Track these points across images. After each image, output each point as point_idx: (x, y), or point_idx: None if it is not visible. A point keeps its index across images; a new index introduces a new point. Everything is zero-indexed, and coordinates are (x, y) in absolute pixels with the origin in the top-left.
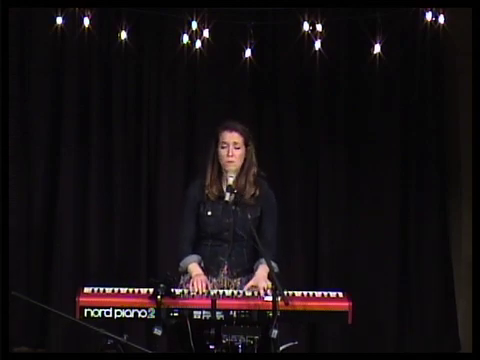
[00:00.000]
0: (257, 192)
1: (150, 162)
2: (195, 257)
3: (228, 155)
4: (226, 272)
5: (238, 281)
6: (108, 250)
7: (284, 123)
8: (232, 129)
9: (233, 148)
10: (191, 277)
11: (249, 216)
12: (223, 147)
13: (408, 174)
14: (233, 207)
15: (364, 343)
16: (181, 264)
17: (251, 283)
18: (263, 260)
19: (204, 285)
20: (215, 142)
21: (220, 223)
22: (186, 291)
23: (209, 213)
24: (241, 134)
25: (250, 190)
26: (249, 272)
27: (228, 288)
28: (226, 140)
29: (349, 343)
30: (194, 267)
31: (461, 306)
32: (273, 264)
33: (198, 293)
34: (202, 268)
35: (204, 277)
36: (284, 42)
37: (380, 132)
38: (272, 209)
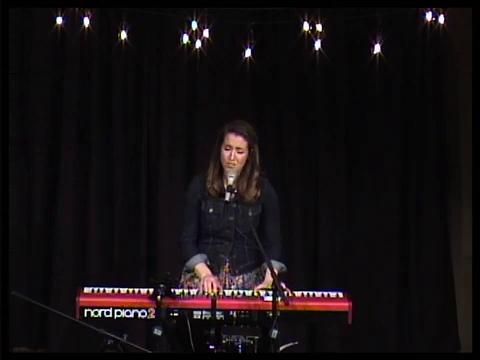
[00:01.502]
0: (259, 193)
1: (150, 162)
2: (201, 257)
3: (230, 158)
4: (227, 270)
5: (240, 279)
6: (108, 250)
7: (284, 123)
8: (237, 133)
9: (236, 152)
10: (196, 277)
11: (250, 213)
12: (226, 149)
13: (408, 174)
14: (234, 205)
15: (364, 343)
16: (187, 264)
17: (262, 285)
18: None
19: (215, 286)
20: (219, 141)
21: (222, 220)
22: (186, 291)
23: (210, 210)
24: (245, 138)
25: (252, 192)
26: (251, 270)
27: (229, 286)
28: (230, 143)
29: (349, 343)
30: (202, 268)
31: (461, 306)
32: (281, 264)
33: (209, 295)
34: (209, 267)
35: (214, 278)
36: (284, 42)
37: (380, 132)
38: (274, 207)
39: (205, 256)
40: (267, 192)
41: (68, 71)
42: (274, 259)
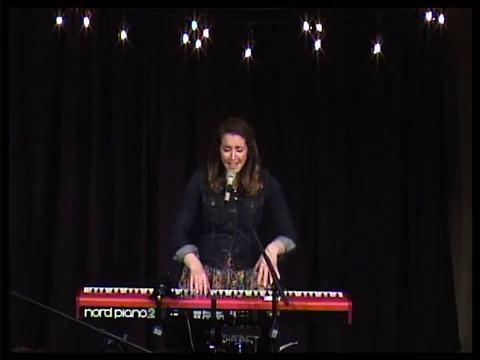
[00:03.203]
0: (262, 186)
1: (150, 162)
2: (191, 247)
3: (231, 159)
4: (230, 265)
5: (242, 274)
6: (108, 250)
7: (284, 123)
8: (234, 132)
9: (236, 152)
10: (189, 270)
11: (252, 206)
12: (226, 150)
13: (408, 174)
14: (236, 198)
15: (364, 343)
16: (177, 253)
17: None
18: (280, 237)
19: (206, 287)
20: (216, 142)
21: (223, 213)
22: (186, 291)
23: (213, 203)
24: (242, 136)
25: (256, 186)
26: (253, 265)
27: (231, 281)
28: (228, 144)
29: (349, 343)
30: (191, 259)
31: (461, 306)
32: (290, 241)
33: (198, 293)
34: (200, 260)
35: (203, 275)
36: (284, 42)
37: (380, 132)
38: (279, 195)
39: (195, 247)
40: (269, 184)
41: (68, 71)
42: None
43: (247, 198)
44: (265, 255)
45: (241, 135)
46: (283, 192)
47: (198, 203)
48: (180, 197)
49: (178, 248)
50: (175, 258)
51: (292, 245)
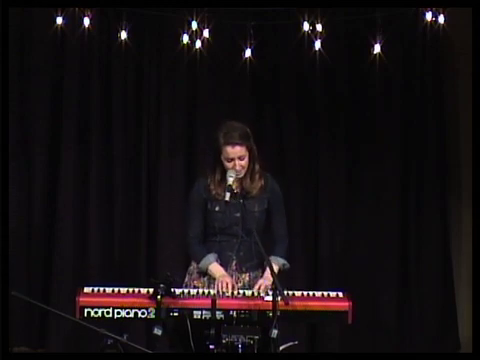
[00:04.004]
0: (263, 183)
1: (150, 162)
2: (213, 257)
3: (235, 168)
4: (235, 268)
5: (247, 276)
6: (108, 250)
7: (284, 123)
8: (234, 145)
9: (239, 161)
10: (209, 277)
11: (256, 209)
12: (229, 161)
13: (408, 174)
14: (241, 201)
15: (364, 343)
16: (200, 266)
17: (260, 283)
18: (273, 257)
19: (230, 286)
20: (217, 151)
21: (228, 217)
22: (186, 291)
23: (217, 208)
24: (242, 145)
25: (257, 185)
26: (257, 268)
27: (236, 283)
28: (230, 156)
29: (349, 343)
30: (216, 268)
31: (461, 306)
32: (283, 261)
33: (224, 294)
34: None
35: (229, 278)
36: (284, 42)
37: (380, 132)
38: (279, 201)
39: (216, 255)
40: (271, 187)
41: (68, 71)
42: (278, 255)
43: (250, 200)
44: (268, 261)
45: (241, 145)
46: (283, 198)
47: (204, 210)
48: (186, 209)
49: (199, 260)
50: (198, 270)
51: (287, 266)
